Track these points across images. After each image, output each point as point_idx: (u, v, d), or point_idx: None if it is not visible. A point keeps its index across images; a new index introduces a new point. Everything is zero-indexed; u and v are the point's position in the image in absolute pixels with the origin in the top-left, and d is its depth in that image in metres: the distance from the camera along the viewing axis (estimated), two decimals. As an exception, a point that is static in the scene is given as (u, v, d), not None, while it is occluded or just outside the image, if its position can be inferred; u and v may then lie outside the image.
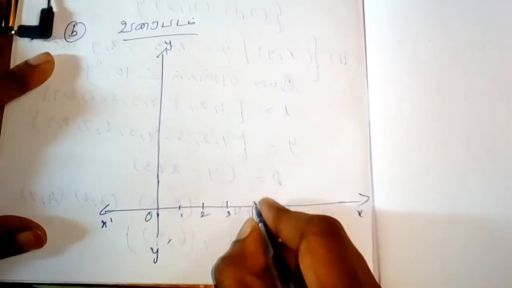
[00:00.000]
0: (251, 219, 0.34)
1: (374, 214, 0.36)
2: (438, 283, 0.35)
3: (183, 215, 0.35)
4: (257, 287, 0.29)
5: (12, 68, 0.37)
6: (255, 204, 0.35)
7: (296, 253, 0.28)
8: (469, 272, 0.35)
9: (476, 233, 0.35)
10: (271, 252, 0.30)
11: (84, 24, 0.38)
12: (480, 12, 0.39)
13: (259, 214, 0.34)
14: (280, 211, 0.32)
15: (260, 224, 0.33)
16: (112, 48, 0.38)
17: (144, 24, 0.38)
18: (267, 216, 0.33)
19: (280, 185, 0.36)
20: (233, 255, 0.32)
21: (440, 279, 0.35)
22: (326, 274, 0.25)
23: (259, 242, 0.32)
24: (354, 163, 0.36)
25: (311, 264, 0.26)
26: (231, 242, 0.34)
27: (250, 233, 0.32)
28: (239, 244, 0.32)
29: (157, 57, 0.38)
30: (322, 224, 0.28)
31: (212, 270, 0.33)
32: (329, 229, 0.28)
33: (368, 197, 0.36)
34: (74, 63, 0.37)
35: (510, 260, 0.35)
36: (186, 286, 0.34)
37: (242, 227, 0.34)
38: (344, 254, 0.27)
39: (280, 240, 0.31)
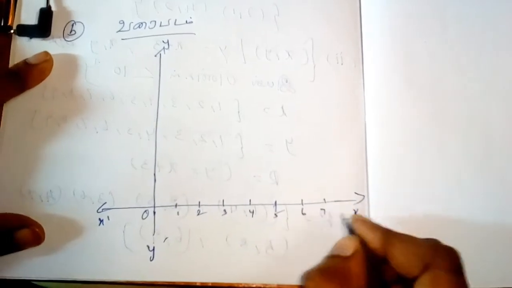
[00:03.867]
0: (354, 237, 0.33)
1: (369, 213, 0.36)
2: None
3: (179, 213, 0.35)
4: None
5: (11, 67, 0.37)
6: (345, 219, 0.35)
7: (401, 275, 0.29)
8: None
9: (470, 233, 0.35)
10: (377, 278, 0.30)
11: (82, 23, 0.38)
12: (476, 15, 0.39)
13: (352, 232, 0.34)
14: (388, 233, 0.32)
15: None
16: (110, 47, 0.38)
17: (142, 23, 0.38)
18: (371, 237, 0.32)
19: (277, 184, 0.36)
20: (334, 271, 0.31)
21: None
22: None
23: (364, 263, 0.31)
24: (350, 163, 0.37)
25: None
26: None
27: (356, 253, 0.32)
28: (341, 261, 0.32)
29: (155, 56, 0.38)
30: (450, 258, 0.28)
31: (303, 276, 0.33)
32: (457, 266, 0.28)
33: (364, 196, 0.36)
34: (72, 62, 0.38)
35: (505, 261, 0.35)
36: (182, 284, 0.34)
37: (342, 244, 0.33)
38: None
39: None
